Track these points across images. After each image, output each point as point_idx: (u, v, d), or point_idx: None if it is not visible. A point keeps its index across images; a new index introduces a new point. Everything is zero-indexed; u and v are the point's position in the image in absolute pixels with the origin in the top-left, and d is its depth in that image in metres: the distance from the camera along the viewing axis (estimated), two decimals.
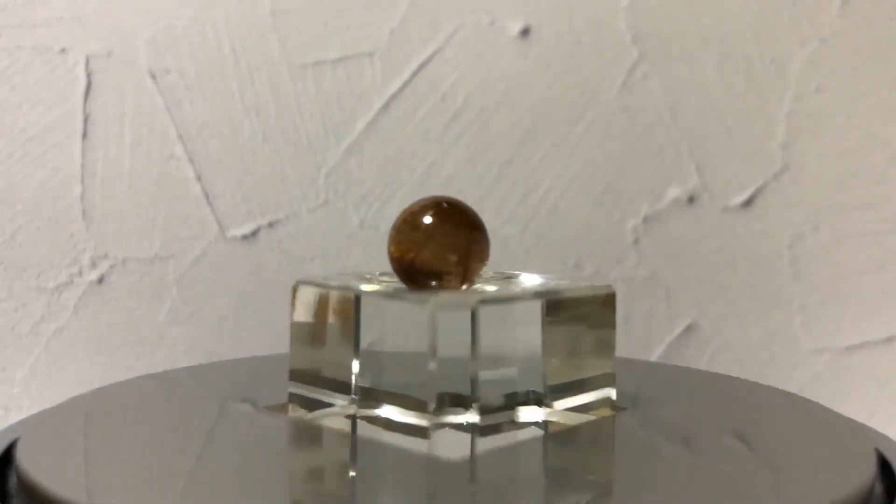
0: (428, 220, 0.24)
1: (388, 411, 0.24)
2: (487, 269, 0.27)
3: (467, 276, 0.24)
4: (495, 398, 0.23)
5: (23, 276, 0.40)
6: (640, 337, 0.41)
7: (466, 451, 0.22)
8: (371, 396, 0.24)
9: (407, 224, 0.24)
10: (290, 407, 0.25)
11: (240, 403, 0.27)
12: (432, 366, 0.22)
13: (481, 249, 0.24)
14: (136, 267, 0.41)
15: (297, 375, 0.25)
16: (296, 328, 0.26)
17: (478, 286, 0.26)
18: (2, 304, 0.40)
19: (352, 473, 0.22)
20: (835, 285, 0.41)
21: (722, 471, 0.21)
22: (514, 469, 0.22)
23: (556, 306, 0.24)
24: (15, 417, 0.40)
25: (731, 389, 0.29)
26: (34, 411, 0.28)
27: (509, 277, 0.27)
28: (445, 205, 0.25)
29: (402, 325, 0.24)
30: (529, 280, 0.27)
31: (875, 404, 0.42)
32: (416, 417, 0.23)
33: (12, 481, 0.21)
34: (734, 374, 0.31)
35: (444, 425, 0.23)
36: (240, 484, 0.21)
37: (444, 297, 0.24)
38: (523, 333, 0.24)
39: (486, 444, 0.23)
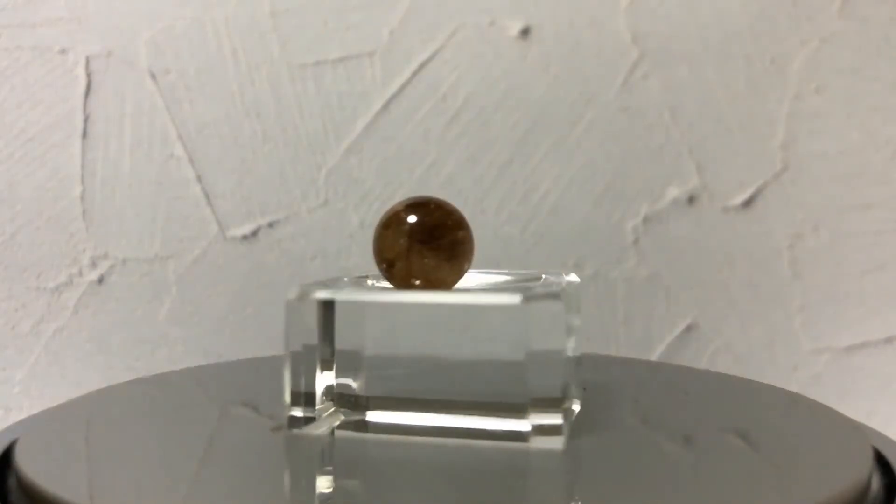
0: (390, 220, 0.25)
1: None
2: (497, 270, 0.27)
3: (410, 276, 0.24)
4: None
5: (23, 276, 0.40)
6: (640, 337, 0.41)
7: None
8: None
9: (379, 224, 0.25)
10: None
11: (240, 407, 0.27)
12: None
13: (434, 249, 0.24)
14: (136, 267, 0.41)
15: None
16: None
17: (468, 285, 0.26)
18: (2, 304, 0.40)
19: (353, 480, 0.22)
20: (835, 285, 0.41)
21: (721, 468, 0.21)
22: (516, 468, 0.22)
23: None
24: (15, 417, 0.40)
25: (731, 389, 0.29)
26: (34, 411, 0.28)
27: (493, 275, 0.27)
28: (413, 205, 0.25)
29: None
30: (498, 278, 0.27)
31: (875, 404, 0.42)
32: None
33: (12, 482, 0.21)
34: (734, 374, 0.31)
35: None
36: (239, 486, 0.21)
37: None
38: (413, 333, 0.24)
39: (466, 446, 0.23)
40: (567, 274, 0.27)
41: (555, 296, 0.23)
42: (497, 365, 0.23)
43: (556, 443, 0.22)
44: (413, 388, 0.24)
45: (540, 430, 0.22)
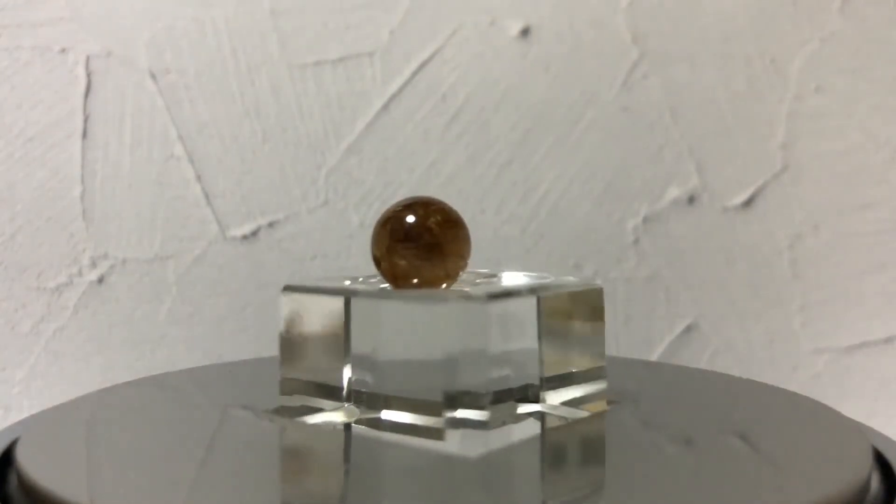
0: (381, 220, 0.25)
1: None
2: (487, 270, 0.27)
3: (394, 275, 0.25)
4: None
5: (23, 276, 0.40)
6: (640, 337, 0.41)
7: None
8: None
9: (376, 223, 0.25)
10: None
11: (240, 407, 0.27)
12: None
13: (413, 249, 0.25)
14: (136, 267, 0.41)
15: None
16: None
17: (469, 284, 0.26)
18: (2, 304, 0.40)
19: (364, 477, 0.22)
20: (835, 285, 0.41)
21: (721, 468, 0.21)
22: (519, 467, 0.22)
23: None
24: (15, 417, 0.40)
25: (731, 389, 0.29)
26: (34, 411, 0.28)
27: (490, 276, 0.27)
28: (406, 206, 0.25)
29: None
30: (512, 279, 0.27)
31: (875, 404, 0.42)
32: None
33: (12, 481, 0.21)
34: (734, 374, 0.31)
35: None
36: (239, 487, 0.21)
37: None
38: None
39: (492, 440, 0.23)
40: (578, 277, 0.27)
41: (476, 297, 0.23)
42: (420, 364, 0.24)
43: (476, 443, 0.22)
44: (366, 384, 0.24)
45: (455, 424, 0.23)
